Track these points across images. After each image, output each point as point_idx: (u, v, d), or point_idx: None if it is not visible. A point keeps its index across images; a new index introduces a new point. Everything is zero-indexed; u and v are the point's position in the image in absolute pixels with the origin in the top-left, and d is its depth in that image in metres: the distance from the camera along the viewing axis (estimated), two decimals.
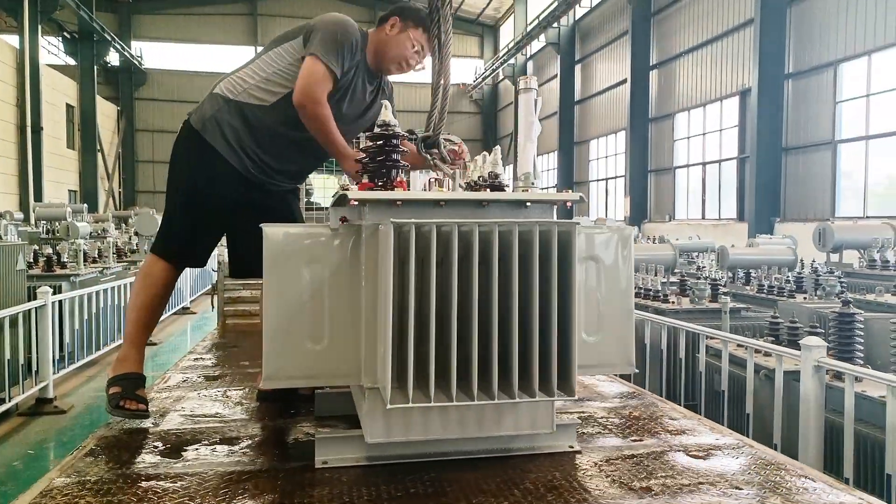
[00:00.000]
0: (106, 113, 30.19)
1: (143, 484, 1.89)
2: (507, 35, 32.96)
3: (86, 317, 7.35)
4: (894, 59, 12.77)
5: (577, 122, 26.58)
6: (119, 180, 32.04)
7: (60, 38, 27.16)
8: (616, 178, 23.78)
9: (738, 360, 4.43)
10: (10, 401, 5.63)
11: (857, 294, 6.18)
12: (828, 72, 14.17)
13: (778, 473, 2.00)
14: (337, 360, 1.99)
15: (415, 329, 1.75)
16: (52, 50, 27.16)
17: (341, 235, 2.00)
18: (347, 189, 3.41)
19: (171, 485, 1.89)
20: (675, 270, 8.09)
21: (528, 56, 30.38)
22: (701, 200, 19.05)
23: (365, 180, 2.10)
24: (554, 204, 2.04)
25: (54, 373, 6.31)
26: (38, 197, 20.87)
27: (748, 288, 7.39)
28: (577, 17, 26.08)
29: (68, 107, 26.52)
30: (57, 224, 14.02)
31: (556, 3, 23.98)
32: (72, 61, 27.52)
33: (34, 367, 6.06)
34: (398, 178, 2.08)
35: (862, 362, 3.90)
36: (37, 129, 21.40)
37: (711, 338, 4.71)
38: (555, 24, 25.56)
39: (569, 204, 2.05)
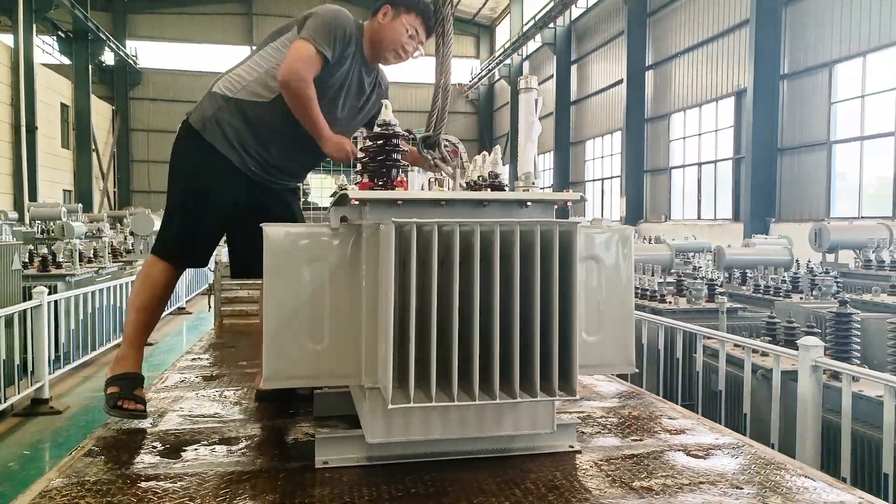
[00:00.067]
0: (101, 112, 30.10)
1: (143, 484, 1.89)
2: (503, 35, 32.97)
3: (81, 317, 7.32)
4: (889, 59, 12.82)
5: (573, 122, 26.62)
6: (114, 180, 31.95)
7: (55, 38, 27.07)
8: (612, 178, 23.81)
9: (736, 360, 4.44)
10: (5, 401, 5.60)
11: (853, 294, 6.20)
12: (823, 72, 14.22)
13: (778, 473, 2.01)
14: (337, 360, 1.99)
15: (416, 329, 1.75)
16: (46, 49, 27.06)
17: (341, 235, 2.00)
18: (346, 188, 3.42)
19: (171, 485, 1.88)
20: (672, 270, 8.11)
21: (524, 56, 30.40)
22: (696, 201, 19.09)
23: (365, 180, 2.10)
24: (555, 204, 2.04)
25: (50, 373, 6.29)
26: (33, 196, 20.78)
27: (744, 288, 7.41)
28: (573, 18, 26.11)
29: (63, 106, 26.43)
30: (52, 224, 13.97)
31: (552, 4, 24.00)
32: (66, 60, 27.43)
33: (30, 368, 6.03)
34: (398, 178, 2.08)
35: (859, 362, 3.91)
36: (31, 129, 21.30)
37: (709, 338, 4.71)
38: (551, 25, 25.59)
39: (569, 203, 2.05)
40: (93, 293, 7.69)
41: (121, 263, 11.11)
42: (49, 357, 6.28)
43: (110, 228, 15.89)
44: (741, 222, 15.96)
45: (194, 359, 3.87)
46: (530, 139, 2.02)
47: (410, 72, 29.49)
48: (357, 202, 1.93)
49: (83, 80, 26.97)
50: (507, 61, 30.50)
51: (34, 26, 21.46)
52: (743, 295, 7.09)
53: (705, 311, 5.92)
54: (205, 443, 2.28)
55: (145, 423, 2.45)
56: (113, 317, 8.34)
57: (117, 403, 2.42)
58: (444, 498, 1.81)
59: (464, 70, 34.66)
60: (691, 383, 4.98)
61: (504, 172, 2.22)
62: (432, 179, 2.26)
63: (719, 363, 4.46)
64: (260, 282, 2.96)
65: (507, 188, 2.17)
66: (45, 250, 8.50)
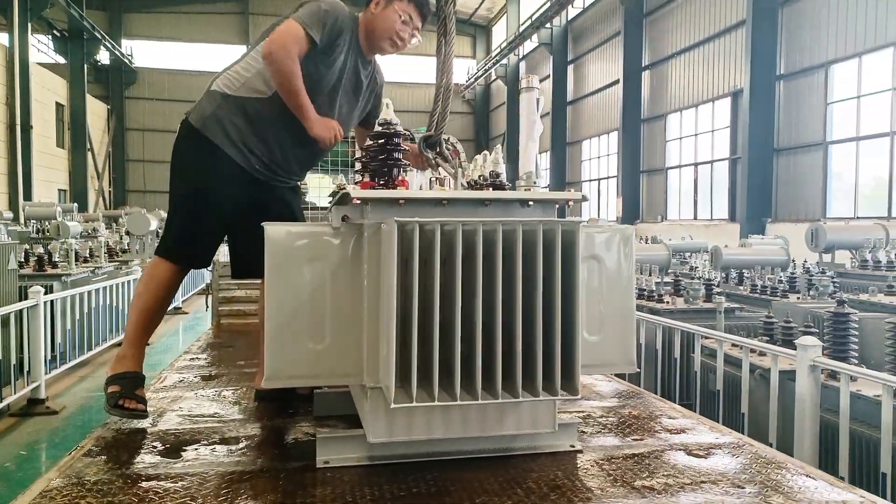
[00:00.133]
0: (96, 112, 30.02)
1: (144, 484, 1.88)
2: (499, 35, 32.98)
3: (77, 317, 7.30)
4: (885, 60, 12.87)
5: (569, 122, 26.64)
6: (109, 179, 31.86)
7: (50, 37, 26.97)
8: (608, 178, 23.85)
9: (733, 360, 4.45)
10: (1, 401, 5.58)
11: (850, 294, 6.22)
12: (819, 73, 14.27)
13: (779, 472, 2.01)
14: (338, 359, 1.98)
15: (418, 328, 1.74)
16: (41, 48, 26.96)
17: (343, 234, 2.00)
18: (345, 188, 3.42)
19: (172, 485, 1.87)
20: (669, 271, 8.12)
21: (520, 56, 30.41)
22: (693, 201, 19.13)
23: (366, 179, 2.09)
24: (556, 203, 2.04)
25: (46, 373, 6.26)
26: (28, 196, 20.71)
27: (741, 288, 7.42)
28: (569, 18, 26.13)
29: (58, 105, 26.34)
30: (47, 223, 13.92)
31: (548, 4, 24.03)
32: (62, 60, 27.33)
33: (26, 368, 6.01)
34: (400, 177, 2.07)
35: (857, 362, 3.92)
36: (26, 128, 21.23)
37: (707, 337, 4.72)
38: (547, 25, 25.61)
39: (570, 203, 2.05)
40: (89, 293, 7.67)
41: (117, 263, 11.07)
42: (45, 357, 6.25)
43: (106, 228, 15.83)
44: (737, 222, 16.00)
45: (192, 359, 3.86)
46: (532, 138, 2.03)
47: (409, 71, 29.56)
48: (359, 201, 1.92)
49: (78, 79, 26.88)
50: (504, 61, 30.50)
51: (29, 25, 21.39)
52: (740, 295, 7.11)
53: (703, 311, 5.94)
54: (205, 442, 2.27)
55: (145, 423, 2.44)
56: (109, 317, 8.32)
57: (118, 403, 2.41)
58: (446, 497, 1.81)
59: (460, 70, 34.69)
60: (689, 383, 4.99)
61: (504, 172, 2.22)
62: (433, 179, 2.26)
63: (717, 363, 4.47)
64: (258, 281, 2.97)
65: (507, 187, 2.17)
66: (40, 250, 8.47)
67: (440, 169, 2.23)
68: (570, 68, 26.36)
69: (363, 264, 1.98)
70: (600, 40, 23.72)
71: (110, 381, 2.50)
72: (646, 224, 20.30)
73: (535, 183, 2.06)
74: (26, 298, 6.12)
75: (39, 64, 24.70)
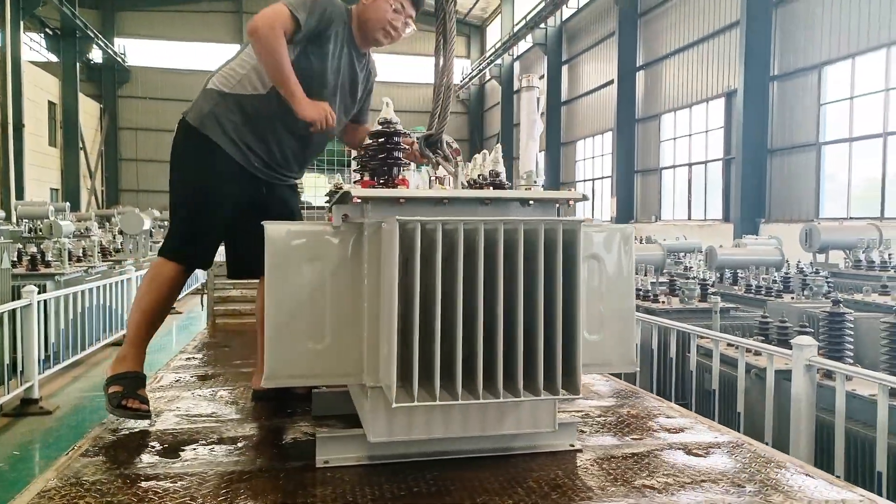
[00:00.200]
0: (88, 111, 29.87)
1: (143, 484, 1.87)
2: (493, 35, 33.00)
3: (71, 316, 7.26)
4: (878, 61, 12.93)
5: (563, 122, 26.68)
6: (102, 179, 31.71)
7: (42, 35, 26.85)
8: (603, 178, 23.89)
9: (729, 360, 4.46)
10: None
11: (844, 294, 6.24)
12: (812, 74, 14.33)
13: (778, 471, 2.02)
14: (338, 359, 1.98)
15: (419, 327, 1.74)
16: (34, 46, 26.82)
17: (343, 233, 1.99)
18: (342, 187, 3.40)
19: (172, 485, 1.86)
20: (664, 271, 8.14)
21: (514, 56, 30.43)
22: (687, 201, 19.19)
23: (366, 178, 2.09)
24: (556, 202, 2.04)
25: (39, 373, 6.23)
26: (20, 195, 20.58)
27: (736, 288, 7.44)
28: (564, 18, 26.17)
29: (50, 104, 26.21)
30: (39, 223, 13.84)
31: (542, 4, 24.05)
32: (54, 58, 27.21)
33: (19, 368, 5.97)
34: (400, 176, 2.07)
35: (852, 361, 3.94)
36: (18, 127, 21.10)
37: (702, 337, 4.73)
38: (542, 25, 25.64)
39: (571, 202, 2.05)
40: (82, 292, 7.63)
41: (110, 263, 11.03)
42: (39, 357, 6.22)
43: (98, 227, 15.77)
44: (731, 223, 16.06)
45: (188, 358, 3.84)
46: (532, 137, 2.03)
47: (404, 71, 29.52)
48: (359, 200, 1.91)
49: (71, 77, 26.76)
50: (498, 61, 30.52)
51: (21, 23, 21.27)
52: (735, 295, 7.13)
53: (698, 311, 5.96)
54: (203, 442, 2.26)
55: (142, 423, 2.43)
56: (103, 316, 8.28)
57: (121, 403, 2.38)
58: (447, 497, 1.81)
59: (455, 70, 34.61)
60: (685, 382, 5.00)
61: (503, 171, 2.22)
62: (433, 178, 2.26)
63: (713, 363, 4.48)
64: (254, 281, 2.96)
65: (507, 187, 2.17)
66: (33, 249, 8.43)
67: (440, 168, 2.23)
68: (565, 68, 26.40)
69: (363, 263, 1.98)
70: (595, 40, 23.76)
71: (111, 381, 2.47)
72: (640, 224, 20.34)
73: (535, 182, 2.06)
74: (19, 298, 6.08)
75: (31, 62, 24.58)
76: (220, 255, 2.80)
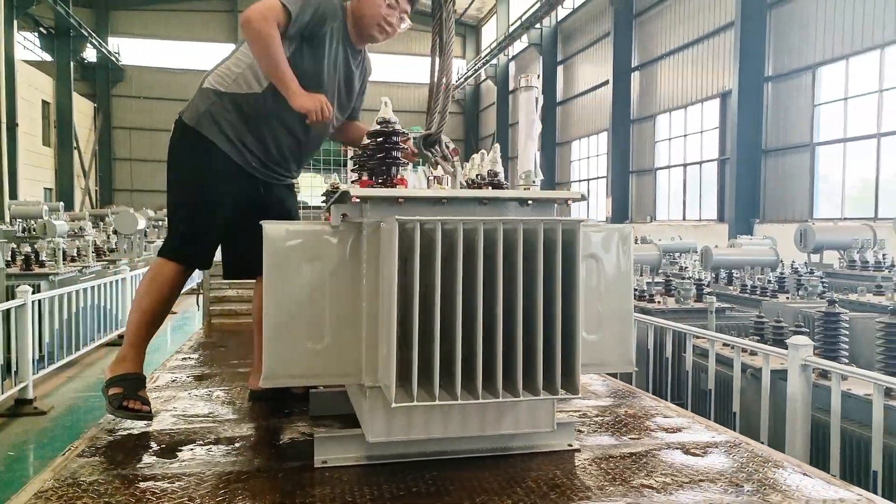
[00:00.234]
0: (82, 110, 29.77)
1: (141, 484, 1.86)
2: (489, 35, 33.02)
3: (65, 316, 7.23)
4: (871, 63, 12.99)
5: (559, 123, 26.71)
6: (95, 178, 31.60)
7: (36, 34, 26.75)
8: (598, 178, 23.92)
9: (725, 360, 4.47)
10: None
11: (839, 294, 6.27)
12: (806, 75, 14.39)
13: (776, 470, 2.02)
14: (337, 359, 1.97)
15: (419, 327, 1.74)
16: (28, 45, 26.71)
17: (341, 233, 1.99)
18: (339, 187, 3.40)
19: (170, 485, 1.86)
20: (660, 271, 8.16)
21: (510, 57, 30.46)
22: (682, 201, 19.24)
23: (364, 177, 2.09)
24: (555, 202, 2.04)
25: (34, 373, 6.20)
26: (14, 195, 20.51)
27: (731, 288, 7.47)
28: (559, 19, 26.20)
29: (44, 103, 26.12)
30: (33, 222, 13.78)
31: (538, 4, 24.07)
32: (48, 57, 27.12)
33: (13, 368, 5.94)
34: (398, 176, 2.07)
35: (847, 361, 3.96)
36: (12, 126, 21.03)
37: (698, 337, 4.74)
38: (537, 25, 25.66)
39: (570, 202, 2.05)
40: (77, 292, 7.59)
41: (104, 262, 10.98)
42: (33, 357, 6.19)
43: (92, 227, 15.71)
44: (726, 223, 16.11)
45: (184, 358, 3.83)
46: (531, 137, 2.02)
47: (397, 71, 29.49)
48: (358, 199, 1.91)
49: (65, 76, 26.68)
50: (494, 61, 30.53)
51: (15, 22, 21.18)
52: (730, 295, 7.15)
53: (694, 311, 5.98)
54: (200, 443, 2.25)
55: (139, 424, 2.41)
56: (97, 316, 8.25)
57: (122, 404, 2.36)
58: (446, 497, 1.80)
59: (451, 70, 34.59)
60: (680, 382, 5.02)
61: (502, 171, 2.22)
62: (431, 178, 2.26)
63: (709, 362, 4.49)
64: (251, 281, 2.95)
65: (506, 187, 2.17)
66: (27, 249, 8.39)
67: (439, 168, 2.23)
68: (560, 69, 26.43)
69: (362, 263, 1.98)
70: (590, 41, 23.80)
71: (111, 383, 2.45)
72: (635, 224, 20.37)
73: (534, 182, 2.06)
74: (14, 298, 6.05)
75: (25, 61, 24.49)
76: (217, 254, 2.79)
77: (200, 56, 30.72)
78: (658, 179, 20.44)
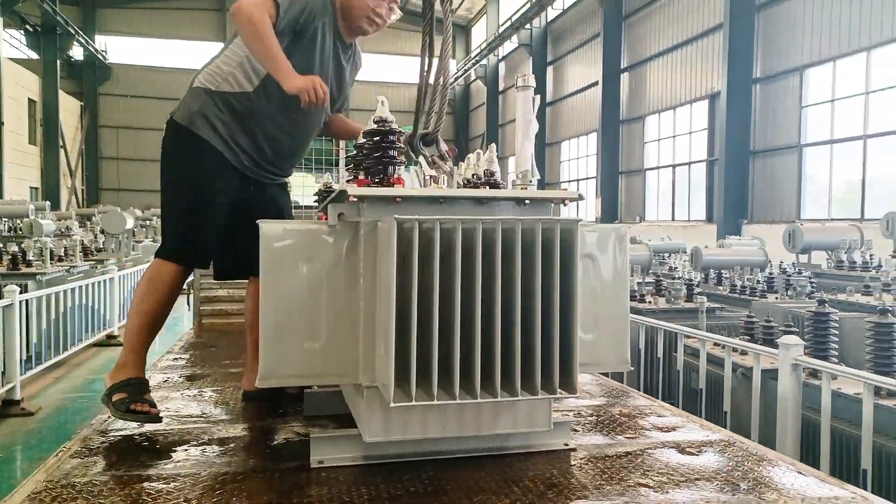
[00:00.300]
0: (69, 108, 29.50)
1: (136, 485, 1.84)
2: (479, 36, 33.03)
3: (53, 316, 7.16)
4: (858, 65, 13.12)
5: (548, 123, 26.76)
6: (82, 177, 31.33)
7: (23, 31, 26.48)
8: (587, 179, 23.99)
9: (716, 359, 4.50)
10: None
11: (828, 294, 6.32)
12: (794, 77, 14.50)
13: (771, 469, 2.04)
14: (334, 358, 1.97)
15: (417, 327, 1.73)
16: (14, 43, 26.44)
17: (338, 232, 1.98)
18: (331, 186, 3.39)
19: (165, 486, 1.84)
20: (650, 271, 8.19)
21: (500, 57, 30.49)
22: (671, 202, 19.34)
23: (361, 177, 2.08)
24: (553, 202, 2.04)
25: (21, 374, 6.13)
26: None
27: (721, 288, 7.51)
28: (549, 19, 26.26)
29: (30, 101, 25.87)
30: (19, 221, 13.63)
31: (528, 5, 24.11)
32: (34, 55, 26.86)
33: (0, 369, 5.88)
34: (395, 175, 2.06)
35: (836, 360, 3.99)
36: None
37: (689, 337, 4.77)
38: (527, 26, 25.71)
39: (567, 202, 2.05)
40: (64, 292, 7.53)
41: (92, 262, 10.90)
42: (20, 357, 6.13)
43: (79, 227, 15.56)
44: (714, 223, 16.20)
45: (175, 359, 3.81)
46: (528, 137, 2.02)
47: (397, 72, 29.40)
48: (355, 199, 1.90)
49: (51, 75, 26.43)
50: (484, 62, 30.56)
51: (1, 20, 20.97)
52: (719, 295, 7.19)
53: (684, 311, 6.01)
54: (195, 443, 2.24)
55: (132, 424, 2.39)
56: (85, 316, 8.18)
57: (130, 408, 2.32)
58: (444, 497, 1.80)
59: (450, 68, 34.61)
60: (671, 382, 5.04)
61: (498, 171, 2.22)
62: (427, 177, 2.25)
63: (700, 362, 4.51)
64: (241, 281, 2.92)
65: (502, 186, 2.17)
66: (14, 248, 8.30)
67: (436, 167, 2.22)
68: (550, 69, 26.48)
69: (359, 263, 1.97)
70: (579, 42, 23.87)
71: (113, 389, 2.39)
72: (624, 225, 20.45)
73: (531, 182, 2.06)
74: (1, 297, 5.99)
75: (11, 59, 24.23)
76: None
77: (188, 54, 30.54)
78: (647, 180, 20.53)
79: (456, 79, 33.92)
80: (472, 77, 32.91)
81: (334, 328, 1.96)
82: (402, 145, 2.16)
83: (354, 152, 2.29)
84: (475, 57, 30.70)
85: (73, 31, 26.93)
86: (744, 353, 4.33)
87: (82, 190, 31.32)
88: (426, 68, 2.41)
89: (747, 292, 6.82)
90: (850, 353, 4.45)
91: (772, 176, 15.19)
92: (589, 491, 1.85)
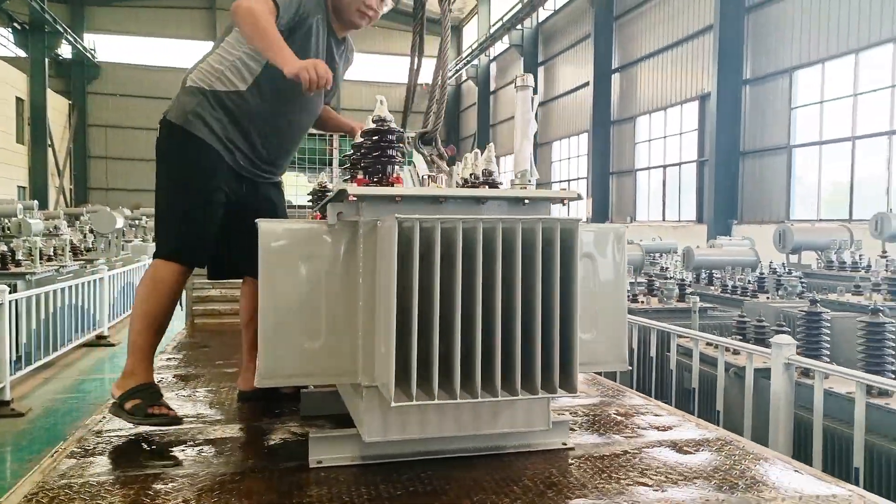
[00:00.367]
0: (57, 107, 29.25)
1: (134, 486, 1.83)
2: (470, 36, 33.06)
3: (43, 316, 7.10)
4: (846, 67, 13.22)
5: (539, 124, 26.80)
6: (70, 176, 31.08)
7: (10, 30, 26.25)
8: (578, 179, 24.06)
9: (708, 359, 4.52)
10: None
11: (818, 294, 6.37)
12: (783, 78, 14.60)
13: (768, 467, 2.05)
14: (334, 358, 1.96)
15: (417, 326, 1.73)
16: (1, 41, 26.21)
17: (337, 232, 1.97)
18: (325, 186, 3.37)
19: (164, 486, 1.83)
20: (642, 271, 8.23)
21: (491, 58, 30.52)
22: (661, 202, 19.42)
23: (360, 176, 2.07)
24: (552, 201, 2.05)
25: (11, 374, 6.08)
26: None
27: (712, 288, 7.56)
28: (540, 20, 26.31)
29: (18, 100, 25.65)
30: (7, 221, 13.51)
31: (519, 5, 24.15)
32: (22, 53, 26.63)
33: None
34: (394, 175, 2.06)
35: (828, 360, 4.02)
36: None
37: (682, 336, 4.79)
38: (518, 26, 25.75)
39: (565, 202, 2.06)
40: (54, 292, 7.47)
41: (81, 262, 10.82)
42: (10, 358, 6.07)
43: (68, 226, 15.44)
44: (705, 224, 16.29)
45: (168, 359, 3.78)
46: (527, 137, 2.03)
47: (393, 72, 29.35)
48: (355, 198, 1.90)
49: (39, 73, 26.22)
50: (475, 62, 30.57)
51: None
52: (711, 295, 7.23)
53: (676, 311, 6.04)
54: (191, 443, 2.23)
55: (127, 425, 2.37)
56: (75, 316, 8.12)
57: (149, 412, 2.28)
58: (443, 496, 1.80)
59: (431, 70, 34.57)
60: (664, 381, 5.06)
61: (496, 170, 2.22)
62: (426, 176, 2.25)
63: (693, 362, 4.53)
64: (234, 281, 2.90)
65: (500, 186, 2.17)
66: (3, 248, 8.23)
67: (435, 166, 2.22)
68: (541, 70, 26.53)
69: (358, 262, 1.97)
70: (570, 42, 23.93)
71: (125, 397, 2.33)
72: (622, 225, 20.51)
73: (529, 181, 2.07)
74: None
75: None
76: None
77: (177, 53, 30.37)
78: (638, 180, 20.61)
79: (447, 79, 33.88)
80: (464, 77, 32.94)
81: (333, 328, 1.95)
82: (401, 145, 2.15)
83: (350, 151, 2.29)
84: (466, 57, 30.72)
85: (61, 30, 26.73)
86: (736, 352, 4.36)
87: (70, 189, 31.08)
88: (415, 67, 2.40)
89: (738, 292, 6.86)
90: (841, 352, 4.48)
91: (761, 177, 15.29)
92: (588, 490, 1.86)
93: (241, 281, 2.83)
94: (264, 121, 2.55)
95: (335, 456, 2.01)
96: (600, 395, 2.97)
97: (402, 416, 1.96)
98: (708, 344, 4.59)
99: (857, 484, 3.28)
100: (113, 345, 9.00)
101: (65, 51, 29.82)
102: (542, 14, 25.84)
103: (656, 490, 1.85)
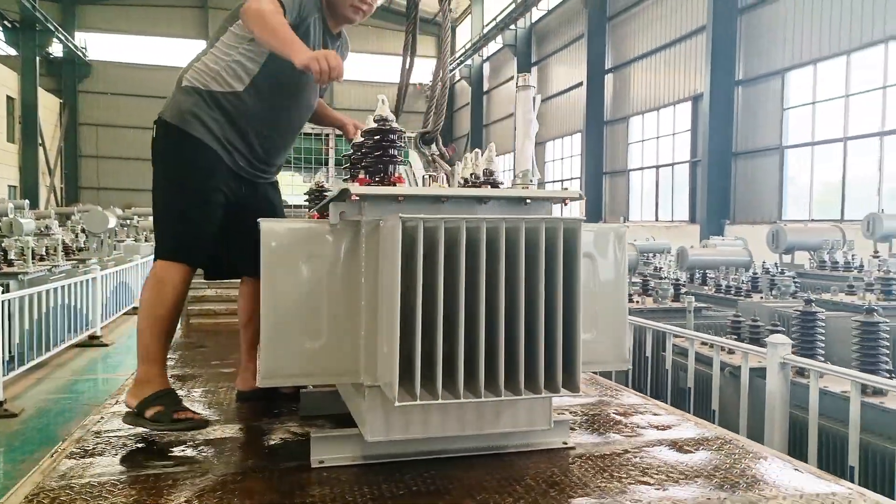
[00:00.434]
0: (48, 106, 29.07)
1: (136, 486, 1.83)
2: (463, 36, 33.05)
3: (35, 316, 7.06)
4: (838, 68, 13.31)
5: None
6: (61, 176, 30.90)
7: (1, 28, 26.07)
8: (571, 179, 24.12)
9: (704, 358, 4.54)
10: None
11: (811, 294, 6.41)
12: (776, 79, 14.68)
13: (768, 465, 2.06)
14: (335, 357, 1.96)
15: (421, 326, 1.73)
16: None
17: (339, 231, 1.97)
18: (322, 186, 3.36)
19: (165, 486, 1.83)
20: (637, 271, 8.25)
21: (484, 58, 30.54)
22: (654, 203, 19.49)
23: (361, 176, 2.07)
24: (554, 201, 2.05)
25: (4, 375, 6.04)
26: None
27: (706, 288, 7.59)
28: (533, 20, 26.35)
29: (9, 99, 25.49)
30: None
31: (513, 5, 24.18)
32: (13, 51, 26.45)
33: None
34: (396, 174, 2.06)
35: (823, 359, 4.05)
36: None
37: (678, 336, 4.81)
38: (511, 26, 25.78)
39: (567, 202, 2.06)
40: (47, 292, 7.42)
41: (74, 262, 10.76)
42: (3, 358, 6.03)
43: (59, 226, 15.35)
44: (697, 224, 16.36)
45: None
46: (528, 137, 2.03)
47: (389, 71, 29.30)
48: (357, 198, 1.90)
49: (30, 71, 26.04)
50: (468, 62, 30.58)
51: None
52: (705, 295, 7.26)
53: (671, 311, 6.07)
54: (191, 444, 2.22)
55: (126, 425, 2.36)
56: (67, 316, 8.07)
57: (175, 418, 2.24)
58: (446, 496, 1.80)
59: (424, 70, 34.66)
60: (660, 381, 5.08)
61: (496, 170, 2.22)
62: (426, 176, 2.25)
63: (689, 361, 4.55)
64: (230, 281, 2.88)
65: (501, 185, 2.18)
66: None
67: (436, 165, 2.22)
68: (534, 70, 26.56)
69: (360, 262, 1.96)
70: (564, 43, 23.99)
71: (144, 405, 2.27)
72: (623, 225, 20.53)
73: (531, 181, 2.07)
74: None
75: None
76: None
77: (169, 52, 30.25)
78: (631, 181, 20.68)
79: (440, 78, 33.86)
80: (457, 77, 32.93)
81: (335, 327, 1.95)
82: (402, 144, 2.15)
83: (350, 151, 2.28)
84: (460, 57, 30.72)
85: (52, 28, 26.56)
86: (731, 352, 4.38)
87: (61, 188, 30.89)
88: (407, 67, 2.39)
89: (732, 292, 6.89)
90: (836, 351, 4.51)
91: (753, 177, 15.37)
92: (590, 489, 1.86)
93: (236, 280, 2.82)
94: (261, 121, 2.54)
95: (337, 456, 2.01)
96: (599, 395, 2.98)
97: (405, 415, 1.96)
98: (703, 343, 4.61)
99: (852, 482, 3.30)
100: (106, 345, 8.95)
101: (56, 49, 29.65)
102: (536, 14, 25.88)
103: (658, 489, 1.86)
